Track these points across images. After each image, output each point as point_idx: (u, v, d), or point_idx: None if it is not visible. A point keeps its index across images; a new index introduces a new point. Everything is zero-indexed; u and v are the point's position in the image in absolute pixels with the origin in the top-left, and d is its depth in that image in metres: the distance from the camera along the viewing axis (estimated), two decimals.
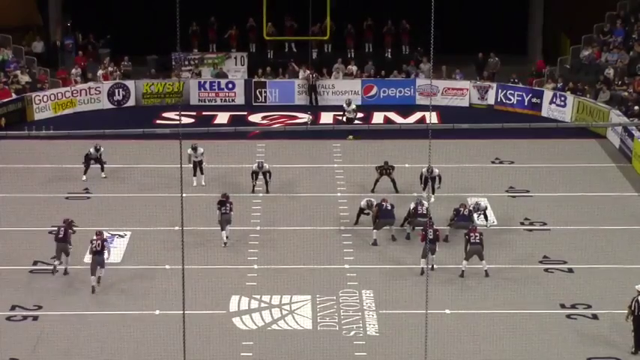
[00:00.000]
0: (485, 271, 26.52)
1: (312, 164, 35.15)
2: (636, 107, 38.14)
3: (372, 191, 31.71)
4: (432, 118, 40.13)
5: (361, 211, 29.45)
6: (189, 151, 32.82)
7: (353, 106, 38.41)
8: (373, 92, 43.44)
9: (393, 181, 32.06)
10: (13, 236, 29.17)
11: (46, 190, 32.47)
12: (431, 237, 25.79)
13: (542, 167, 34.82)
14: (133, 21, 46.03)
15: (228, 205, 28.59)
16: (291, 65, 44.50)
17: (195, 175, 32.95)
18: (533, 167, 34.78)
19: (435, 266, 26.43)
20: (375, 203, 29.07)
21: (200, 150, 32.97)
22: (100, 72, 43.39)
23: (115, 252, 27.87)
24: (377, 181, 31.96)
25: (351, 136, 37.40)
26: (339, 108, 42.21)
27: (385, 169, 32.09)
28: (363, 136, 36.68)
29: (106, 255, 26.03)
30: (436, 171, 30.79)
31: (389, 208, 28.72)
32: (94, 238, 26.25)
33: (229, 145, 35.71)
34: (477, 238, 26.49)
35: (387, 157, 32.59)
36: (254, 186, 32.50)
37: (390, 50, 46.60)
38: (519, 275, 26.77)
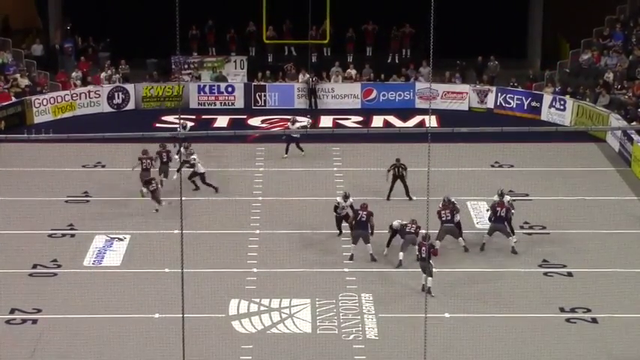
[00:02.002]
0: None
1: (311, 167, 35.16)
2: None
3: (388, 199, 31.53)
4: (431, 121, 40.13)
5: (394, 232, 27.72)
6: (182, 149, 32.72)
7: (299, 124, 37.66)
8: (373, 96, 43.46)
9: (405, 186, 31.55)
10: (12, 239, 29.17)
11: (45, 194, 32.44)
12: (423, 255, 25.58)
13: (541, 171, 34.83)
14: (132, 24, 46.01)
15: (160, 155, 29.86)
16: (289, 69, 44.46)
17: (178, 171, 32.41)
18: (532, 171, 34.79)
19: (431, 290, 25.47)
20: (402, 226, 27.28)
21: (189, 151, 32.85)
22: (102, 75, 43.41)
23: (114, 255, 27.95)
24: (391, 188, 31.64)
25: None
26: (339, 112, 42.37)
27: (397, 168, 31.48)
28: (363, 139, 36.72)
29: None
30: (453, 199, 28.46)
31: (364, 218, 27.52)
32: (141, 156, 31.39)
33: (229, 148, 35.78)
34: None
35: (386, 160, 32.54)
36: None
37: (391, 55, 46.60)
38: (518, 279, 26.77)
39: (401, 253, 26.83)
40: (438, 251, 27.11)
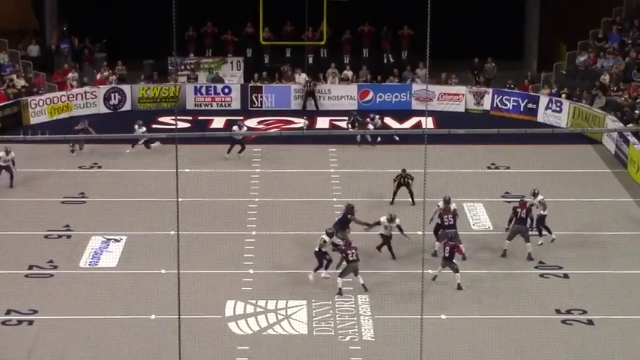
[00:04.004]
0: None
1: (307, 169, 35.16)
2: (636, 111, 38.15)
3: (392, 203, 31.38)
4: (427, 123, 40.16)
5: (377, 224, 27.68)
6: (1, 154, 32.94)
7: (245, 129, 37.51)
8: (369, 97, 43.45)
9: (410, 193, 31.32)
10: (8, 240, 29.14)
11: (41, 195, 32.44)
12: (447, 254, 25.91)
13: (537, 173, 34.83)
14: (129, 25, 45.96)
15: None
16: (286, 69, 44.48)
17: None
18: (528, 173, 34.79)
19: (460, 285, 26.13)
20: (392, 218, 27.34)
21: (12, 155, 32.97)
22: (98, 76, 43.40)
23: (111, 256, 27.94)
24: (395, 193, 31.53)
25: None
26: (336, 113, 42.34)
27: (403, 178, 31.41)
28: (360, 140, 36.79)
29: None
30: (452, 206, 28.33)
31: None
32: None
33: (225, 149, 35.73)
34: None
35: (383, 161, 32.52)
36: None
37: (386, 56, 46.65)
38: (515, 281, 26.78)
39: (339, 280, 25.98)
40: (463, 250, 26.66)
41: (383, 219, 27.59)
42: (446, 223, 27.64)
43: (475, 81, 43.71)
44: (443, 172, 32.68)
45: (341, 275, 26.01)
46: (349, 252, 25.93)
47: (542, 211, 28.62)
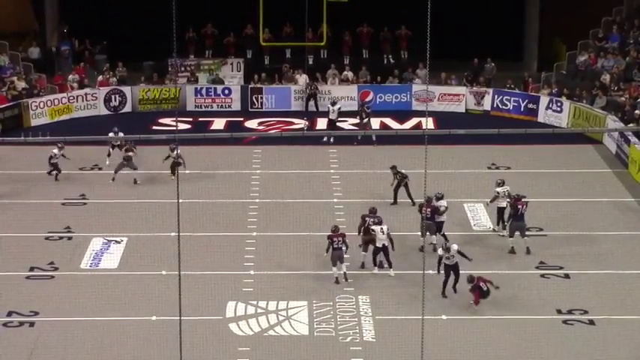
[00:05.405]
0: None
1: (308, 170, 35.16)
2: (636, 112, 38.15)
3: (392, 204, 31.30)
4: (428, 123, 40.11)
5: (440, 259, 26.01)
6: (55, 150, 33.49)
7: (338, 106, 38.09)
8: (369, 98, 43.42)
9: (408, 193, 31.30)
10: (9, 242, 29.14)
11: (42, 196, 32.45)
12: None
13: (538, 173, 34.85)
14: (129, 27, 45.99)
15: None
16: (285, 70, 44.50)
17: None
18: (529, 173, 34.79)
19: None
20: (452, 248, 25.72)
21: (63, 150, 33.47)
22: (100, 77, 43.39)
23: (112, 258, 27.94)
24: (396, 192, 31.48)
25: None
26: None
27: (397, 174, 31.34)
28: (360, 141, 36.79)
29: None
30: (443, 203, 28.58)
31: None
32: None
33: (225, 150, 35.73)
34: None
35: (382, 162, 32.47)
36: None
37: (386, 56, 46.66)
38: (516, 281, 26.77)
39: (334, 269, 26.38)
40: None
41: (440, 252, 25.96)
42: (423, 215, 27.75)
43: (462, 83, 43.66)
44: (443, 173, 32.65)
45: (333, 264, 26.34)
46: (335, 239, 26.19)
47: (504, 204, 28.85)
